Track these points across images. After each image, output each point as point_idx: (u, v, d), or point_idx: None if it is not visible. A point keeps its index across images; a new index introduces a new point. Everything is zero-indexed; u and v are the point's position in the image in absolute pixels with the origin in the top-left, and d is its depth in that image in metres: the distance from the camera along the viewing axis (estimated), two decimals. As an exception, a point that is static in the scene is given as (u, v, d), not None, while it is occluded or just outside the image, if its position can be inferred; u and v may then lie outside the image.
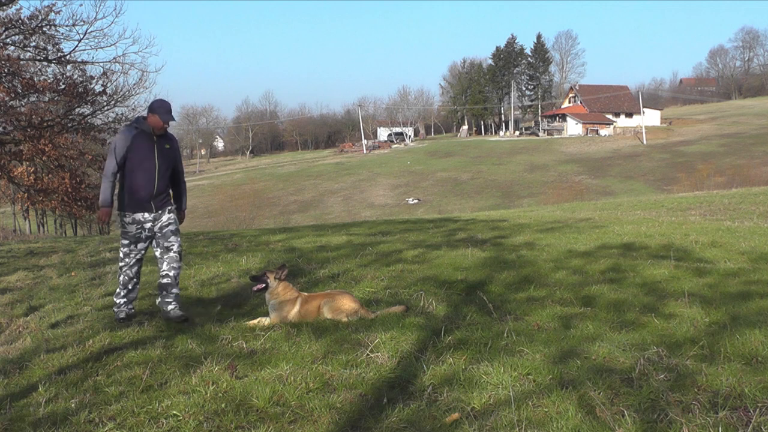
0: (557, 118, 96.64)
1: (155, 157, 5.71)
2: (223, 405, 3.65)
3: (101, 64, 15.98)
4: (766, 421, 3.16)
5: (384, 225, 15.50)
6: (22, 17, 15.14)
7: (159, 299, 5.82)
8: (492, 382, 3.85)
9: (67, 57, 15.63)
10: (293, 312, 5.55)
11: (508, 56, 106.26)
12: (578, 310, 5.65)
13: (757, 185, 32.24)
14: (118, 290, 5.84)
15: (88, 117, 16.88)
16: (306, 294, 5.78)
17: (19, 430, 3.49)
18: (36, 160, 18.55)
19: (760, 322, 4.87)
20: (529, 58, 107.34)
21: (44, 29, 15.14)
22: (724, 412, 3.27)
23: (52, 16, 14.92)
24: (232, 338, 5.03)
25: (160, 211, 5.79)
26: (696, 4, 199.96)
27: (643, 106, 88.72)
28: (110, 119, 17.43)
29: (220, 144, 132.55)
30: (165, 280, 5.75)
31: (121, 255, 5.77)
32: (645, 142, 78.19)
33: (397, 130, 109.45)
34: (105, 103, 16.53)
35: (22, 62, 15.65)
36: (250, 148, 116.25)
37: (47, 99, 16.30)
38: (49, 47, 15.60)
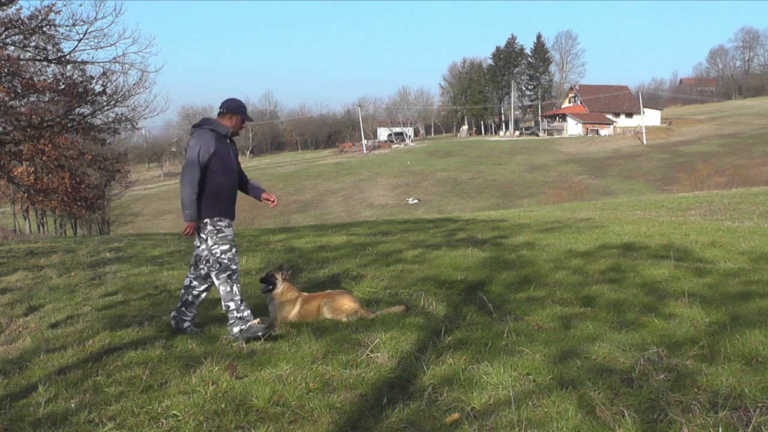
0: (557, 118, 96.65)
1: (233, 161, 5.39)
2: (223, 405, 3.65)
3: (101, 64, 15.96)
4: (766, 421, 3.16)
5: (384, 225, 15.50)
6: (22, 17, 15.12)
7: (176, 312, 5.43)
8: (492, 382, 3.84)
9: (67, 57, 15.60)
10: (293, 312, 5.55)
11: (508, 56, 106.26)
12: (578, 310, 5.65)
13: (757, 185, 32.24)
14: (238, 304, 5.09)
15: (88, 117, 16.84)
16: (306, 294, 5.78)
17: (19, 430, 3.48)
18: (36, 160, 18.52)
19: (760, 322, 4.87)
20: (529, 58, 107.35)
21: (44, 29, 15.12)
22: (724, 412, 3.26)
23: (52, 16, 14.90)
24: (232, 338, 5.03)
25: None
26: (696, 4, 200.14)
27: (643, 106, 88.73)
28: (110, 119, 17.41)
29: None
30: (202, 296, 5.45)
31: (227, 262, 5.15)
32: (645, 142, 78.20)
33: (397, 130, 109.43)
34: (105, 103, 16.49)
35: (22, 62, 15.63)
36: (250, 148, 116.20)
37: (47, 99, 16.28)
38: (49, 47, 15.58)
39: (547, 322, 5.28)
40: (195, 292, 5.39)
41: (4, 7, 14.91)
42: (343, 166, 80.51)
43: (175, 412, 3.58)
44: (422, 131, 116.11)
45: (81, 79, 16.08)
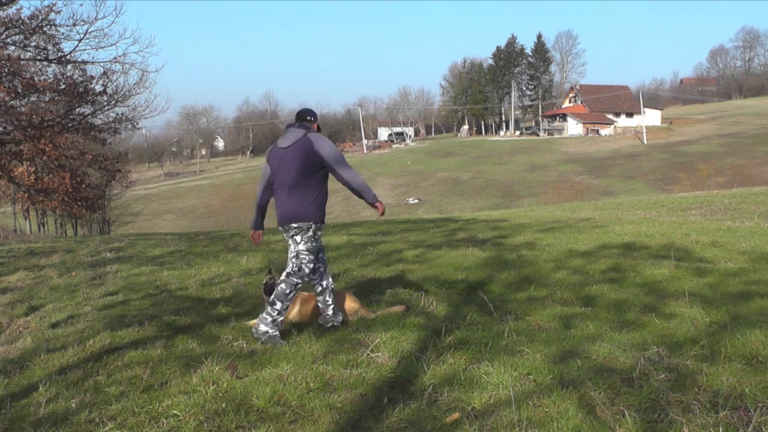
0: (558, 118, 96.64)
1: None
2: (223, 405, 3.65)
3: (101, 63, 15.95)
4: (767, 421, 3.16)
5: (384, 225, 15.50)
6: (22, 17, 15.12)
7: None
8: (492, 382, 3.84)
9: (68, 57, 15.60)
10: (293, 312, 5.55)
11: (508, 56, 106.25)
12: (579, 310, 5.64)
13: (758, 185, 32.20)
14: (282, 310, 5.02)
15: (89, 117, 16.83)
16: (306, 294, 5.78)
17: (19, 429, 3.49)
18: (36, 160, 18.54)
19: (761, 322, 4.87)
20: (529, 58, 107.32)
21: (44, 29, 15.12)
22: (725, 412, 3.26)
23: (52, 15, 14.90)
24: (233, 338, 5.03)
25: None
26: (696, 4, 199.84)
27: (644, 106, 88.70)
28: (110, 119, 17.41)
29: (220, 144, 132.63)
30: (331, 285, 5.46)
31: (306, 270, 5.13)
32: (645, 141, 78.18)
33: (398, 129, 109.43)
34: (105, 103, 16.48)
35: (22, 62, 15.63)
36: (251, 148, 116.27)
37: (47, 99, 16.28)
38: (49, 47, 15.58)
39: (547, 321, 5.27)
40: (327, 288, 5.39)
41: (5, 7, 14.91)
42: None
43: (175, 411, 3.58)
44: (422, 131, 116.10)
45: (81, 78, 16.09)
